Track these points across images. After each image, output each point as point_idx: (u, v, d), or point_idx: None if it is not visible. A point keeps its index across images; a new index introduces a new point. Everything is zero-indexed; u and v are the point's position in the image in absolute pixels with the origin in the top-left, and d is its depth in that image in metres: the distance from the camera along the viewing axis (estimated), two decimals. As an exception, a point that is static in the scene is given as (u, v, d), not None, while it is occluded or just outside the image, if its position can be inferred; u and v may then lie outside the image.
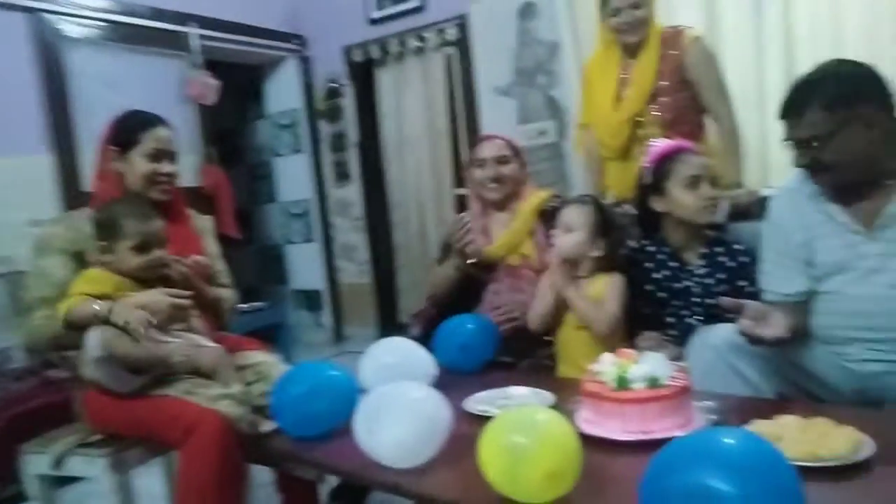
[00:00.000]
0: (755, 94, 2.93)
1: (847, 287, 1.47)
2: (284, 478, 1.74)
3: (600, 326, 1.69)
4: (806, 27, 2.84)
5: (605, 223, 1.80)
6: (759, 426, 1.14)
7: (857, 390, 1.47)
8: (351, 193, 4.75)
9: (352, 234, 4.81)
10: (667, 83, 2.19)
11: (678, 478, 0.80)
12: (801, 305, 1.54)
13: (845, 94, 1.39)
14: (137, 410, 1.53)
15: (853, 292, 1.46)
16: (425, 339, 1.84)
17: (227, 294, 1.91)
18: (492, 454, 1.02)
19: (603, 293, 1.76)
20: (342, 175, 4.78)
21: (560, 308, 1.79)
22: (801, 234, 1.54)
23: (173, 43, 3.88)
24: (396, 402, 1.20)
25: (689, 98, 2.20)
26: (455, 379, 1.71)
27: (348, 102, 4.63)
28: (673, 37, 2.21)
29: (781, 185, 1.69)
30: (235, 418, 1.46)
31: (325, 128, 4.79)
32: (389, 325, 4.54)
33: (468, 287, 2.15)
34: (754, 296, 1.67)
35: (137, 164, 1.75)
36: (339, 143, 4.74)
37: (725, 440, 0.82)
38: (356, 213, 4.76)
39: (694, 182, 1.74)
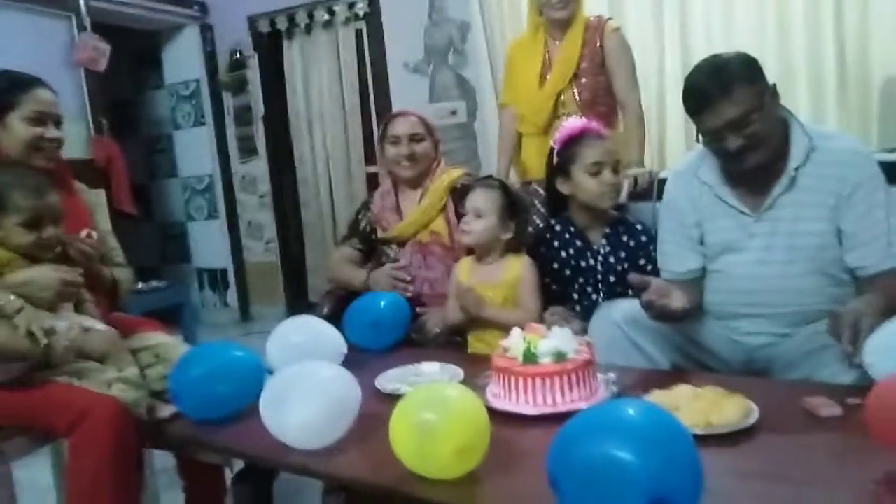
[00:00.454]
0: (656, 84, 3.06)
1: (736, 266, 1.55)
2: (187, 463, 1.67)
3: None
4: (701, 22, 2.99)
5: (512, 205, 1.83)
6: (657, 396, 1.19)
7: (745, 361, 1.57)
8: (257, 169, 4.59)
9: (258, 211, 4.66)
10: (587, 66, 2.33)
11: (583, 449, 0.82)
12: (696, 283, 1.62)
13: (752, 68, 1.45)
14: (19, 399, 1.41)
15: (742, 271, 1.54)
16: (336, 318, 1.81)
17: (121, 273, 1.79)
18: (402, 432, 1.02)
19: (515, 276, 1.79)
20: (248, 150, 4.61)
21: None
22: (693, 214, 1.61)
23: (58, 2, 3.58)
24: (304, 381, 1.17)
25: (605, 83, 2.36)
26: (366, 357, 1.69)
27: (254, 74, 4.45)
28: (596, 25, 2.36)
29: (676, 167, 1.76)
30: (131, 403, 1.38)
31: (229, 100, 4.59)
32: (299, 304, 4.45)
33: (378, 265, 2.13)
34: (653, 274, 1.74)
35: (17, 129, 1.61)
36: (244, 116, 4.56)
37: (627, 411, 0.85)
38: (263, 189, 4.60)
39: (597, 168, 1.78)
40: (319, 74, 4.28)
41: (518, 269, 1.80)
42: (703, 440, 0.99)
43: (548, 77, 2.37)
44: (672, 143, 3.06)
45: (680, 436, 0.83)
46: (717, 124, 1.44)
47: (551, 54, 2.38)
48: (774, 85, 1.48)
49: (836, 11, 2.76)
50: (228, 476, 1.67)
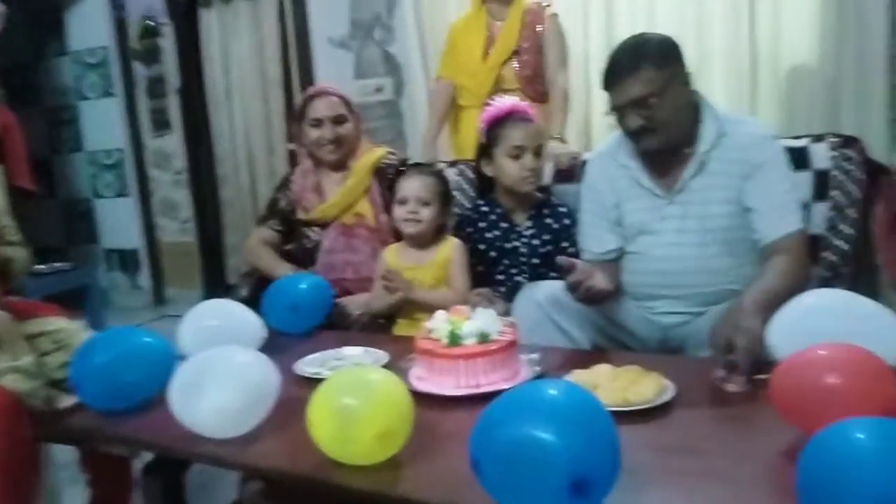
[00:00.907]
0: (582, 68, 3.10)
1: (652, 248, 1.60)
2: (91, 456, 1.57)
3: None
4: (626, 8, 3.06)
5: (447, 190, 1.84)
6: (578, 376, 1.21)
7: (661, 340, 1.62)
8: (171, 144, 4.37)
9: (173, 188, 4.44)
10: (527, 45, 2.50)
11: (505, 430, 0.82)
12: (615, 263, 1.66)
13: (667, 53, 1.49)
14: None
15: (657, 253, 1.59)
16: (255, 301, 1.74)
17: (14, 252, 1.66)
18: (321, 417, 0.99)
19: (445, 257, 1.79)
20: (161, 123, 4.37)
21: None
22: (612, 196, 1.65)
23: (-58, -45, 3.25)
24: (218, 367, 1.11)
25: (543, 62, 2.52)
26: (286, 341, 1.64)
27: (168, 43, 4.21)
28: (535, 10, 2.53)
29: (596, 149, 1.79)
30: (25, 394, 1.28)
31: (141, 70, 4.34)
32: (216, 286, 4.29)
33: (299, 247, 2.07)
34: (576, 256, 1.76)
35: None
36: (157, 87, 4.32)
37: (548, 392, 0.85)
38: (177, 165, 4.39)
39: (518, 152, 1.79)
40: (239, 46, 4.10)
41: (448, 250, 1.80)
42: (621, 417, 1.00)
43: (490, 51, 2.52)
44: (597, 127, 3.12)
45: (599, 415, 0.83)
46: (620, 101, 1.50)
47: (493, 32, 2.54)
48: (688, 73, 1.51)
49: (751, 2, 2.89)
50: (138, 468, 1.59)
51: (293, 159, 3.86)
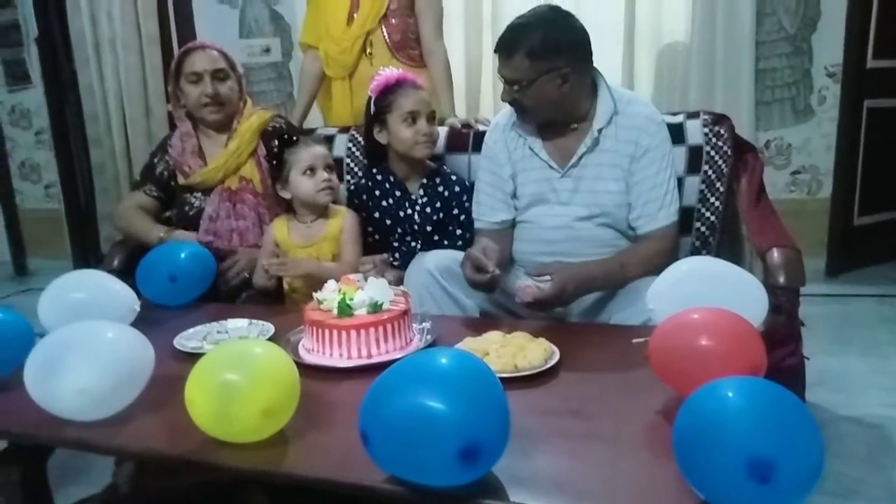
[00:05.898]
0: (475, 33, 3.10)
1: (541, 218, 1.65)
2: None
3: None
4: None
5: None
6: (468, 343, 1.22)
7: (547, 307, 1.67)
8: (31, 99, 3.96)
9: (34, 149, 4.04)
10: (397, 6, 2.28)
11: (394, 400, 0.80)
12: (507, 233, 1.70)
13: (548, 45, 1.51)
14: None
15: (546, 223, 1.64)
16: (130, 272, 1.65)
17: None
18: (201, 394, 0.93)
19: (338, 229, 1.76)
20: (17, 76, 3.94)
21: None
22: (508, 167, 1.68)
23: None
24: (80, 343, 1.02)
25: (416, 25, 2.32)
26: (164, 315, 1.56)
27: (22, -15, 3.78)
28: None
29: (495, 119, 1.80)
30: None
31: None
32: (88, 257, 3.97)
33: (180, 214, 1.94)
34: (466, 223, 1.80)
35: None
36: (10, 35, 3.87)
37: (439, 360, 0.84)
38: (39, 124, 3.99)
39: (412, 117, 1.77)
40: (111, -4, 3.74)
41: (340, 221, 1.77)
42: (510, 382, 1.02)
43: (356, 16, 2.28)
44: (485, 95, 3.15)
45: (489, 382, 0.84)
46: (500, 73, 1.59)
47: None
48: (576, 67, 1.54)
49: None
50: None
51: (173, 122, 3.61)
